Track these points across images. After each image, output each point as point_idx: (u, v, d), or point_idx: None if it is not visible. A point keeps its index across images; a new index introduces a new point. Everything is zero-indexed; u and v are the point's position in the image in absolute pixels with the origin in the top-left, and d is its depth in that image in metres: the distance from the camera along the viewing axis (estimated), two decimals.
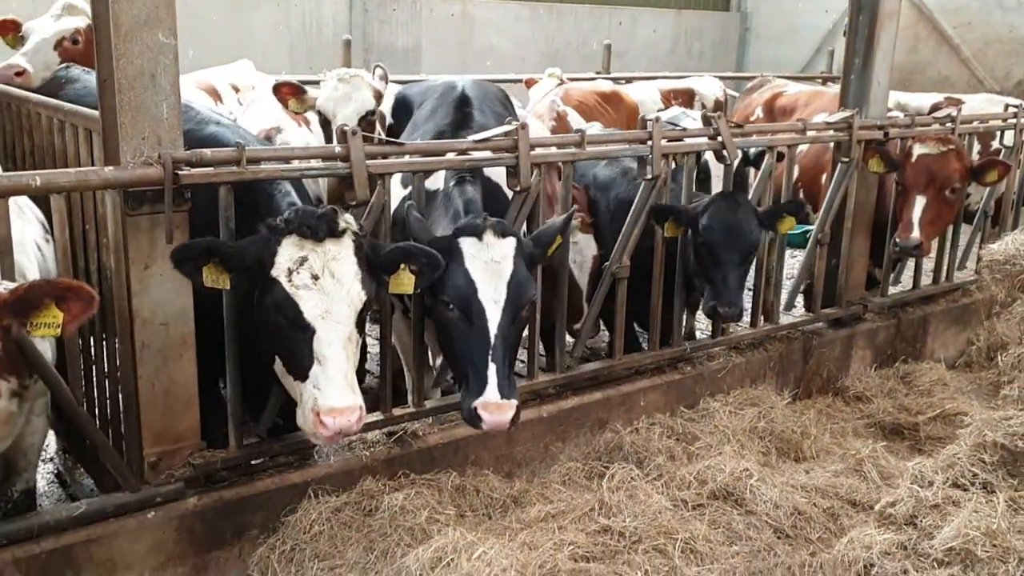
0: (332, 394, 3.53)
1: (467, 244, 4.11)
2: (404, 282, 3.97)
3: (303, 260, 3.64)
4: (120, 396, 3.95)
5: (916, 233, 6.15)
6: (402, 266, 3.94)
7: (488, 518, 4.48)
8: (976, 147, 8.81)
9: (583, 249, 5.84)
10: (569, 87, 9.22)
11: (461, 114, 4.99)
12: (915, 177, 6.24)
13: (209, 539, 4.06)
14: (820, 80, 12.04)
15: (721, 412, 5.51)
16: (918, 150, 6.29)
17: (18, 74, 5.48)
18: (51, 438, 5.17)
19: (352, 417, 3.52)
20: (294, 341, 3.64)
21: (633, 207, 5.30)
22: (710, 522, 4.27)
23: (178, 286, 3.83)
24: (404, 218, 4.31)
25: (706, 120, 5.50)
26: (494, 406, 3.93)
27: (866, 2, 6.25)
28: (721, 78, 11.31)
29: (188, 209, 3.79)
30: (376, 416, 4.53)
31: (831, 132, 6.16)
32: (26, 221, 4.10)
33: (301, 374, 3.65)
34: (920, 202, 6.23)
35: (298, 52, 13.84)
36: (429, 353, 4.89)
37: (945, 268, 7.25)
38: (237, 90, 8.05)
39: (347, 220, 3.75)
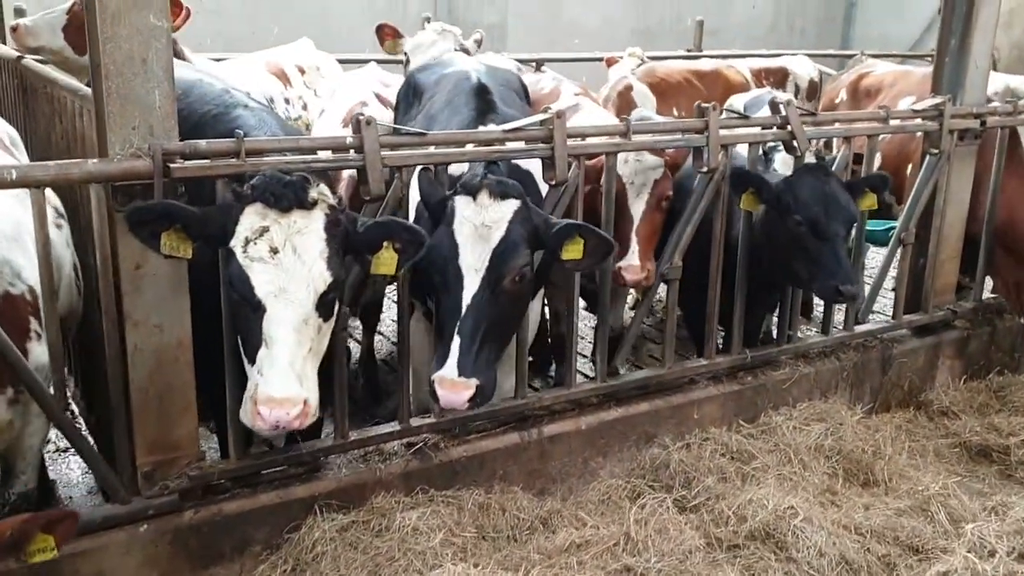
0: (272, 380, 3.22)
1: (460, 203, 3.80)
2: (386, 261, 3.61)
3: (263, 231, 3.32)
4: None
5: None
6: (385, 244, 3.59)
7: (513, 541, 4.15)
8: None
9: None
10: (656, 64, 8.75)
11: (484, 102, 4.57)
12: None
13: (207, 555, 3.84)
14: (929, 60, 11.15)
15: (784, 427, 5.04)
16: None
17: (13, 29, 5.46)
18: None
19: (292, 411, 3.20)
20: (246, 320, 3.36)
21: (690, 203, 4.84)
22: (743, 568, 3.80)
23: (174, 286, 3.60)
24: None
25: (774, 107, 4.97)
26: (449, 383, 3.64)
27: None
28: (822, 56, 10.60)
29: None
30: (392, 427, 4.23)
31: (918, 120, 5.52)
32: (25, 209, 3.88)
33: (251, 357, 3.36)
34: None
35: None
36: None
37: None
38: (303, 71, 7.83)
39: (321, 191, 3.41)
